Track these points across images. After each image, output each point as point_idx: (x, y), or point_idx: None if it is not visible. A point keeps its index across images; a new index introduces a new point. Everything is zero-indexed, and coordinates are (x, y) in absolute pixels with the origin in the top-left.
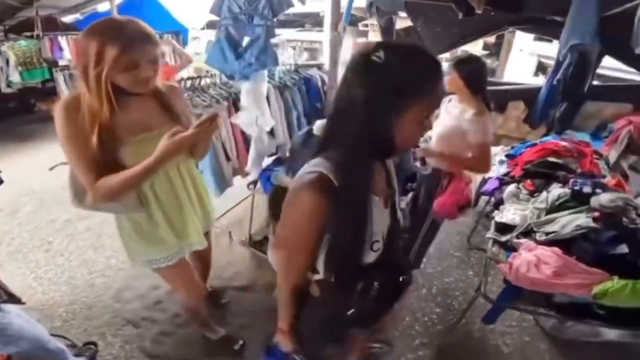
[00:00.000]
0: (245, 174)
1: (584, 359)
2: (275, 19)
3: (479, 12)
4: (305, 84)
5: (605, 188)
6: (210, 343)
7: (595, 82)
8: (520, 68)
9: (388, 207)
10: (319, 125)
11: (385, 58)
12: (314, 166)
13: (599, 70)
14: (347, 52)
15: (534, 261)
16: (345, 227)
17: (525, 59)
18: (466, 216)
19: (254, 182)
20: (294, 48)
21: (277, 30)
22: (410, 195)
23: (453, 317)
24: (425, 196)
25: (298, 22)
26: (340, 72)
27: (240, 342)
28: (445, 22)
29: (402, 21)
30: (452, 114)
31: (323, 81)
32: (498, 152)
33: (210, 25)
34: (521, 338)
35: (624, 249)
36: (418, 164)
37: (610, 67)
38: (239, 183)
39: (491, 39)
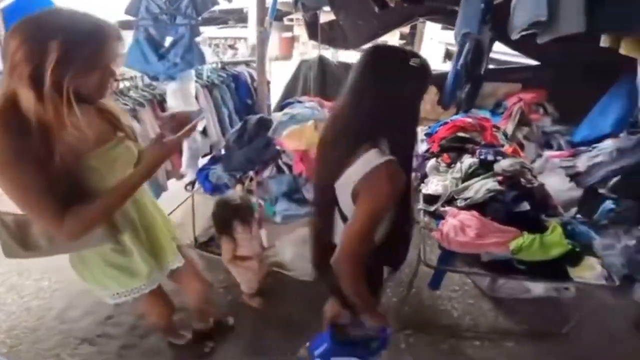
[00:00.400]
0: (181, 176)
1: (520, 315)
2: (199, 18)
3: (392, 5)
4: (234, 82)
5: (504, 155)
6: (179, 349)
7: (490, 66)
8: (431, 55)
9: None
10: (252, 121)
11: (421, 63)
12: (377, 157)
13: (493, 55)
14: (274, 47)
15: (458, 226)
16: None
17: (435, 47)
18: None
19: (192, 183)
20: (217, 46)
21: (200, 28)
22: None
23: (404, 289)
24: None
25: (221, 19)
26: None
27: (210, 344)
28: (365, 15)
29: (326, 15)
30: None
31: (252, 78)
32: (418, 132)
33: (122, 26)
34: (465, 301)
35: (526, 206)
36: None
37: (501, 51)
38: (174, 187)
39: (406, 29)
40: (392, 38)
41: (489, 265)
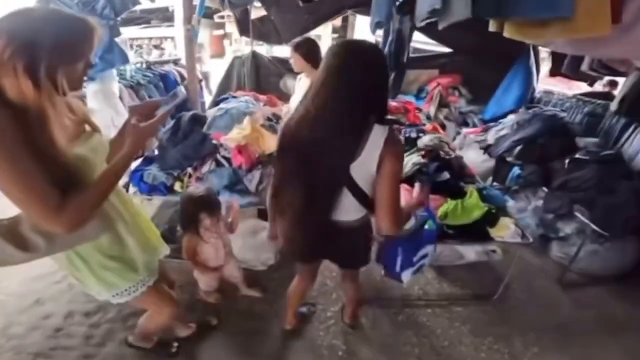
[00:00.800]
0: None
1: (461, 280)
2: (118, 18)
3: None
4: (161, 81)
5: (425, 132)
6: (144, 352)
7: (412, 55)
8: None
9: None
10: (186, 118)
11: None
12: (381, 127)
13: (414, 45)
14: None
15: None
16: None
17: (366, 38)
18: None
19: (126, 186)
20: (140, 46)
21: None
22: None
23: None
24: None
25: (143, 18)
26: (199, 65)
27: (175, 344)
28: (296, 9)
29: (257, 11)
30: (303, 88)
31: (182, 76)
32: None
33: None
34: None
35: (446, 175)
36: None
37: (421, 41)
38: None
39: (338, 22)
40: (325, 31)
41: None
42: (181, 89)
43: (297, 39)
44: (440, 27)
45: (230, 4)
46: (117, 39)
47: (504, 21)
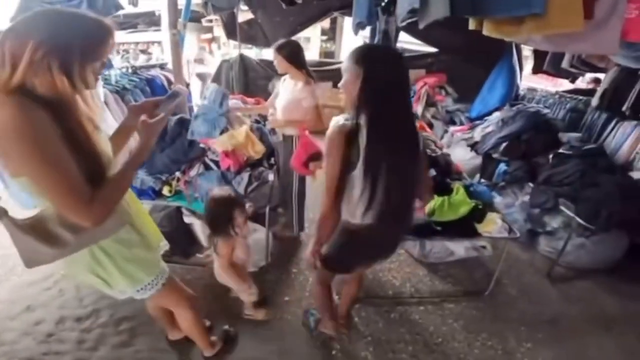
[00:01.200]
0: None
1: (451, 277)
2: None
3: (299, 2)
4: (148, 85)
5: None
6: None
7: None
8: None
9: None
10: (173, 122)
11: None
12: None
13: (400, 45)
14: (192, 49)
15: None
16: None
17: (355, 40)
18: None
19: None
20: (127, 51)
21: None
22: (274, 168)
23: None
24: (285, 161)
25: (128, 23)
26: (187, 69)
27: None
28: (283, 12)
29: (244, 14)
30: (287, 89)
31: (169, 80)
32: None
33: None
34: (403, 270)
35: (432, 172)
36: (270, 135)
37: (407, 41)
38: None
39: (327, 24)
40: (314, 32)
41: (412, 231)
42: (181, 87)
43: (280, 41)
44: (421, 26)
45: (214, 8)
46: None
47: (482, 19)
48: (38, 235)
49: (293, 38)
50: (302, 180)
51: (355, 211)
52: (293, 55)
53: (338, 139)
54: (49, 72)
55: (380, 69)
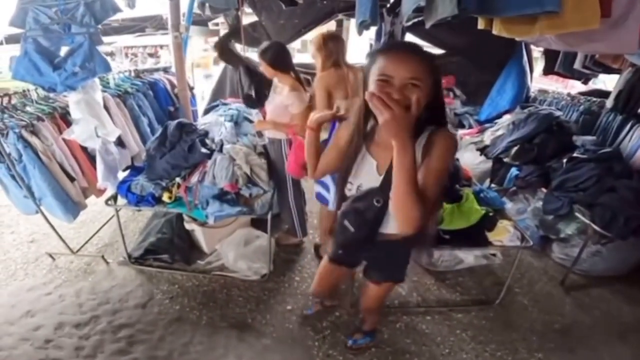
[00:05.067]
0: (100, 193)
1: (460, 285)
2: (99, 26)
3: (301, 2)
4: (151, 89)
5: None
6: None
7: None
8: (358, 50)
9: (382, 173)
10: (172, 127)
11: None
12: None
13: None
14: (196, 52)
15: None
16: None
17: (361, 42)
18: None
19: (114, 197)
20: (135, 55)
21: (112, 38)
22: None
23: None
24: (276, 162)
25: (136, 27)
26: (190, 73)
27: None
28: (287, 15)
29: (248, 17)
30: (276, 93)
31: (172, 84)
32: None
33: (12, 40)
34: (410, 279)
35: None
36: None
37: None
38: (99, 207)
39: (333, 26)
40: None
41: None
42: None
43: (263, 45)
44: (427, 25)
45: (211, 9)
46: (107, 48)
47: (492, 18)
48: None
49: (298, 40)
50: (296, 184)
51: None
52: (278, 59)
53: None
54: None
55: None
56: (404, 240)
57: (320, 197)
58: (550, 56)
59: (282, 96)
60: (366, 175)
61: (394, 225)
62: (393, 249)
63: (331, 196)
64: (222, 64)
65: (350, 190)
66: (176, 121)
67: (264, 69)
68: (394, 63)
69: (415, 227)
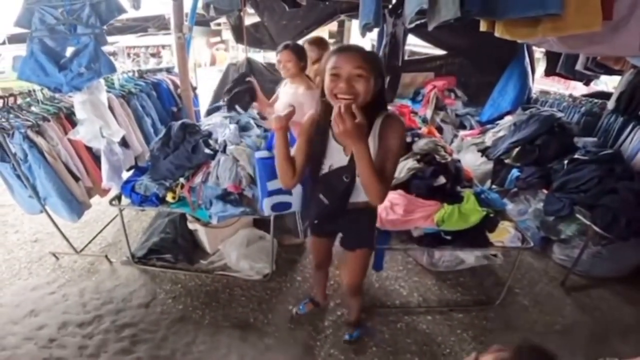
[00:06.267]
0: (104, 192)
1: (461, 285)
2: (105, 27)
3: (303, 3)
4: (154, 89)
5: (420, 136)
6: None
7: (407, 58)
8: None
9: (348, 154)
10: (176, 127)
11: None
12: None
13: (409, 48)
14: (200, 52)
15: (388, 205)
16: None
17: (362, 43)
18: None
19: (118, 197)
20: (138, 55)
21: (115, 38)
22: None
23: None
24: None
25: (139, 26)
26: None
27: None
28: (289, 15)
29: (250, 18)
30: (288, 93)
31: (175, 84)
32: None
33: (14, 39)
34: (411, 279)
35: (442, 179)
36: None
37: (416, 44)
38: (102, 206)
39: (334, 27)
40: (322, 35)
41: (421, 240)
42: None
43: (287, 41)
44: (430, 27)
45: (215, 10)
46: (109, 48)
47: (494, 21)
48: None
49: (300, 41)
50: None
51: None
52: (304, 58)
53: None
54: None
55: None
56: (366, 208)
57: (280, 207)
58: (552, 57)
59: (296, 95)
60: (337, 157)
61: (361, 195)
62: (360, 216)
63: (294, 197)
64: (225, 64)
65: (324, 169)
66: (180, 122)
67: (290, 65)
68: (342, 60)
69: (383, 198)
